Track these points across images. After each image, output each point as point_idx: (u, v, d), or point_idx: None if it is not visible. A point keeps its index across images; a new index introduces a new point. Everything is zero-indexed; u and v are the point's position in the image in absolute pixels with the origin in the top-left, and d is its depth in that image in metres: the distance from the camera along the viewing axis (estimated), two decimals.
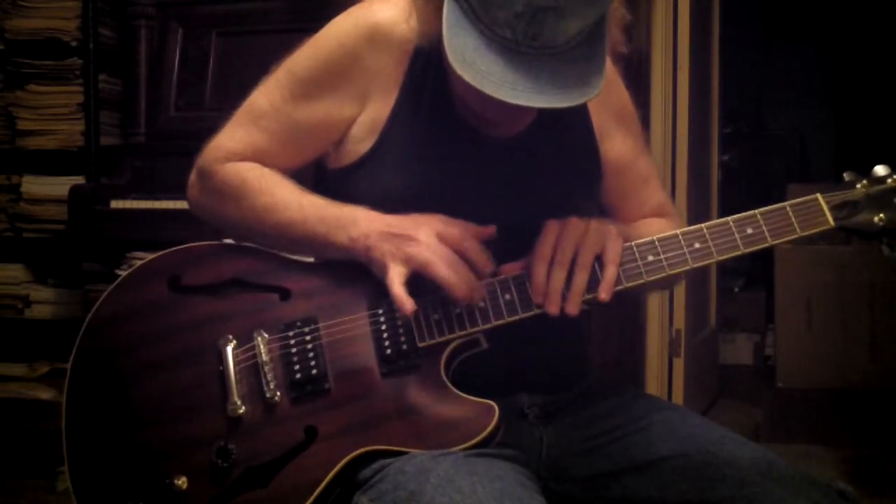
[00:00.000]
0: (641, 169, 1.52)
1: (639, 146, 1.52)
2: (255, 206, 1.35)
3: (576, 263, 1.26)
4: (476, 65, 1.17)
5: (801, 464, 1.32)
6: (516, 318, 1.27)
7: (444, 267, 1.24)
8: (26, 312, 3.12)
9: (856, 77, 6.14)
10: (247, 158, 1.38)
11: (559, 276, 1.26)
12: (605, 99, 1.44)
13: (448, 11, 1.20)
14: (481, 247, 1.27)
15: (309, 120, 1.36)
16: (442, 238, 1.26)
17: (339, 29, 1.36)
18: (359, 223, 1.29)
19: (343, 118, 1.36)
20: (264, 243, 1.37)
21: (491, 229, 1.29)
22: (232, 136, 1.40)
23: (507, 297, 1.27)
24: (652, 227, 1.46)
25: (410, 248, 1.25)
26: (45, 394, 3.02)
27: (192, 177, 1.44)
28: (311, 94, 1.36)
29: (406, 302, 1.23)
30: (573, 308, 1.25)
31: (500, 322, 1.27)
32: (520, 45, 1.17)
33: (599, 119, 1.45)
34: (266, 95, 1.39)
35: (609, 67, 1.44)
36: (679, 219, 1.55)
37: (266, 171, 1.37)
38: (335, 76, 1.35)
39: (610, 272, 1.26)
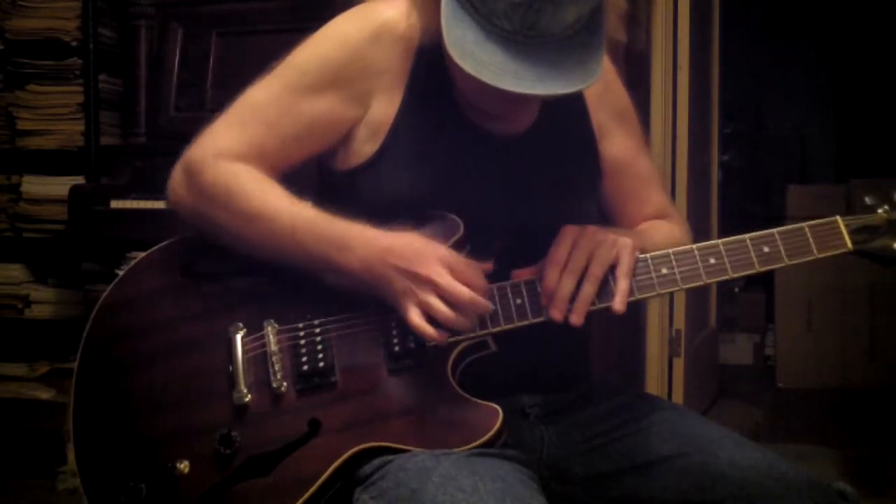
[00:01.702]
0: (641, 169, 1.52)
1: (638, 146, 1.52)
2: (244, 211, 1.30)
3: (586, 274, 1.26)
4: (476, 55, 1.17)
5: (801, 464, 1.32)
6: (526, 322, 1.28)
7: (462, 316, 1.24)
8: (26, 312, 3.11)
9: (856, 77, 6.14)
10: (241, 155, 1.33)
11: (568, 283, 1.26)
12: (605, 97, 1.44)
13: (446, 4, 1.20)
14: (487, 305, 1.26)
15: (311, 113, 1.34)
16: (454, 274, 1.25)
17: (344, 28, 1.35)
18: (355, 248, 1.26)
19: (346, 118, 1.35)
20: (249, 251, 1.32)
21: (488, 266, 1.29)
22: (225, 132, 1.35)
23: (518, 301, 1.28)
24: (660, 229, 1.46)
25: (427, 296, 1.23)
26: (45, 394, 3.02)
27: (177, 173, 1.36)
28: (314, 88, 1.34)
29: (436, 334, 1.23)
30: (577, 318, 1.26)
31: (510, 326, 1.28)
32: (518, 34, 1.18)
33: (599, 117, 1.45)
34: (264, 88, 1.36)
35: (609, 67, 1.45)
36: (681, 219, 1.55)
37: (259, 175, 1.33)
38: (339, 76, 1.34)
39: (623, 285, 1.26)
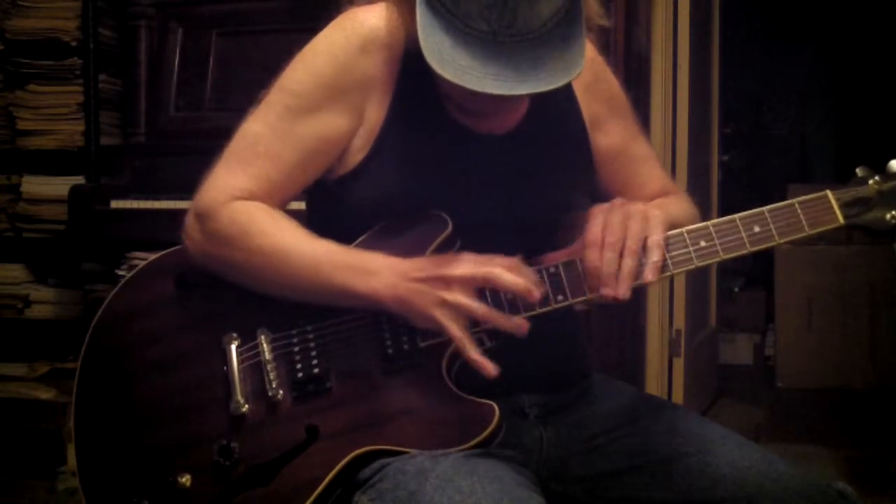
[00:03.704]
0: (638, 151, 1.52)
1: (632, 130, 1.52)
2: (263, 249, 1.29)
3: (624, 248, 1.25)
4: (455, 62, 1.17)
5: (801, 464, 1.32)
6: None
7: (498, 316, 1.23)
8: (26, 312, 3.11)
9: (856, 77, 6.14)
10: (252, 192, 1.32)
11: (612, 259, 1.25)
12: (595, 87, 1.45)
13: (421, 13, 1.20)
14: (530, 272, 1.25)
15: (311, 135, 1.33)
16: (478, 276, 1.24)
17: (331, 42, 1.34)
18: (380, 273, 1.25)
19: (344, 132, 1.34)
20: (272, 290, 1.31)
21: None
22: (231, 172, 1.33)
23: (510, 296, 1.27)
24: (674, 204, 1.47)
25: (454, 297, 1.22)
26: (45, 394, 3.02)
27: (190, 221, 1.35)
28: (309, 108, 1.32)
29: (488, 367, 1.22)
30: (625, 292, 1.24)
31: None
32: (497, 35, 1.18)
33: (590, 108, 1.45)
34: (260, 120, 1.34)
35: (597, 58, 1.45)
36: (685, 195, 1.55)
37: (274, 212, 1.32)
38: (332, 90, 1.32)
39: (655, 256, 1.25)
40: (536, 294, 1.24)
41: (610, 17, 1.33)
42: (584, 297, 1.27)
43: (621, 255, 1.25)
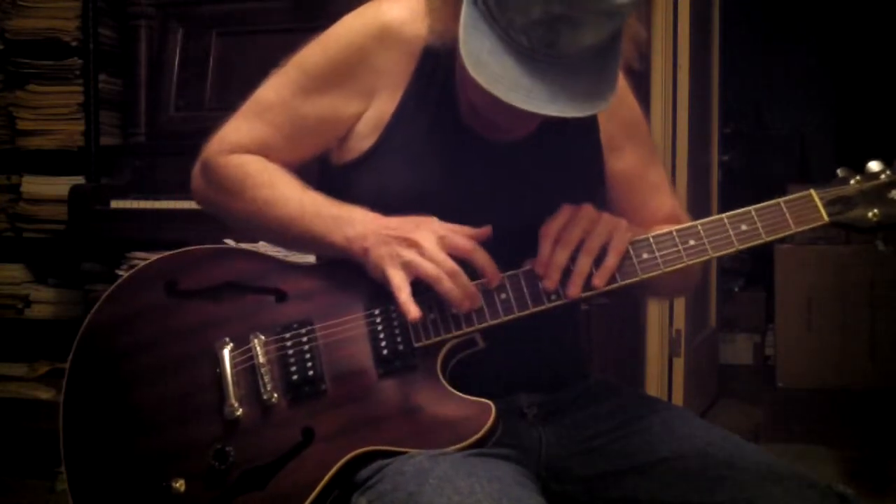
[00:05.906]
0: (652, 178, 1.52)
1: (648, 156, 1.52)
2: (256, 199, 1.36)
3: (582, 248, 1.27)
4: (490, 67, 1.17)
5: (801, 464, 1.32)
6: (512, 317, 1.27)
7: (445, 278, 1.24)
8: (26, 312, 3.12)
9: (856, 77, 6.14)
10: (251, 151, 1.39)
11: (561, 253, 1.27)
12: (616, 111, 1.44)
13: (466, 13, 1.20)
14: (489, 258, 1.27)
15: (315, 114, 1.37)
16: (445, 244, 1.26)
17: (350, 27, 1.37)
18: (355, 223, 1.29)
19: (348, 115, 1.37)
20: (266, 238, 1.40)
21: (487, 230, 1.29)
22: (237, 129, 1.41)
23: (503, 296, 1.28)
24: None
25: (410, 255, 1.25)
26: (45, 394, 3.02)
27: (196, 168, 1.45)
28: (319, 88, 1.37)
29: (412, 309, 1.23)
30: (572, 290, 1.26)
31: (495, 321, 1.27)
32: (535, 52, 1.18)
33: (609, 130, 1.45)
34: (273, 89, 1.40)
35: (621, 82, 1.44)
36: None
37: (269, 165, 1.38)
38: (343, 73, 1.36)
39: (610, 260, 1.27)
40: (466, 306, 1.25)
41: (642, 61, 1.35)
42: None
43: (579, 255, 1.26)
